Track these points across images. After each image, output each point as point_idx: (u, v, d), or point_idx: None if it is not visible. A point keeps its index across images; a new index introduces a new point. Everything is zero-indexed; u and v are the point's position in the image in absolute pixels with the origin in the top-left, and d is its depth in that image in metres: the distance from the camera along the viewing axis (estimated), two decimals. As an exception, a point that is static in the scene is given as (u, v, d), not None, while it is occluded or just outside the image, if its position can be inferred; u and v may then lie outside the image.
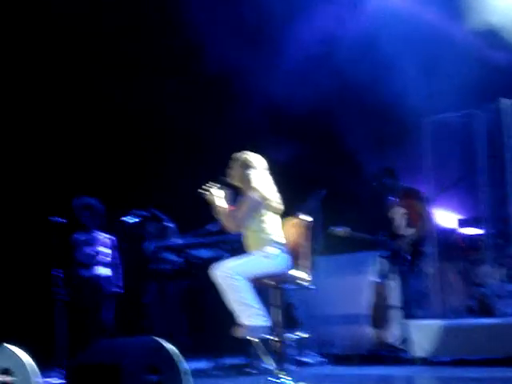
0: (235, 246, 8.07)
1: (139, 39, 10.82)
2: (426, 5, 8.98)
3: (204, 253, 8.44)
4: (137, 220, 9.27)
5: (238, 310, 6.56)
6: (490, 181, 7.92)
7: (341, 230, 8.95)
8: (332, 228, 8.98)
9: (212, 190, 6.85)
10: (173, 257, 8.74)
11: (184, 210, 9.43)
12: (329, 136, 10.32)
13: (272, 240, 6.74)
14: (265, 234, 6.74)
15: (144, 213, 9.31)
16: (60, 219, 8.65)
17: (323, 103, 9.68)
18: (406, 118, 8.80)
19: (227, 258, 7.98)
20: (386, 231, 8.80)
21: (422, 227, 8.56)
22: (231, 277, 6.53)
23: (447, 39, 8.68)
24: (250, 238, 6.85)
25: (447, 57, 8.68)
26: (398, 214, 8.82)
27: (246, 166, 6.85)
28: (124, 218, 9.16)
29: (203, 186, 6.86)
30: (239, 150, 6.94)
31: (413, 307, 8.36)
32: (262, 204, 6.76)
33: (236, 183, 6.88)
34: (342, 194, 10.00)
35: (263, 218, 6.77)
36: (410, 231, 8.67)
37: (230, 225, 6.83)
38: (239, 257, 6.81)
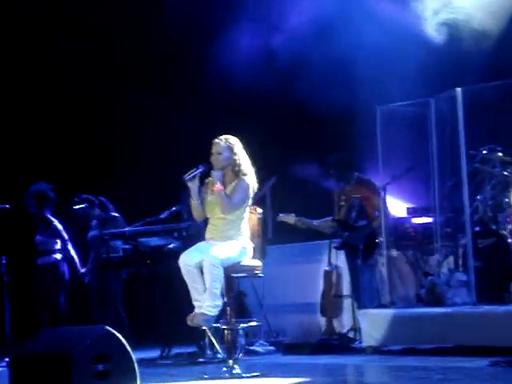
0: (185, 234, 7.99)
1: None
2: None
3: (154, 241, 8.33)
4: (83, 206, 9.13)
5: (203, 298, 6.39)
6: (441, 170, 7.93)
7: (288, 217, 8.83)
8: (280, 215, 8.89)
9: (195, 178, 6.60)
10: (121, 244, 8.61)
11: (137, 198, 9.33)
12: (280, 122, 10.29)
13: (247, 229, 6.62)
14: (244, 223, 6.60)
15: (91, 197, 9.17)
16: (2, 206, 8.55)
17: (274, 89, 9.64)
18: (359, 106, 8.78)
19: (176, 246, 7.93)
20: (336, 220, 8.67)
21: (377, 219, 8.42)
22: (217, 265, 6.35)
23: (401, 28, 8.67)
24: (229, 226, 6.62)
25: (401, 45, 8.65)
26: (351, 204, 8.65)
27: (237, 149, 6.64)
28: (74, 207, 9.06)
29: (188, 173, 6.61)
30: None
31: (364, 298, 8.32)
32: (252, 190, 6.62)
33: (223, 167, 6.63)
34: (293, 181, 9.98)
35: (247, 206, 6.63)
36: (363, 222, 8.50)
37: (223, 206, 6.54)
38: (222, 246, 6.55)
